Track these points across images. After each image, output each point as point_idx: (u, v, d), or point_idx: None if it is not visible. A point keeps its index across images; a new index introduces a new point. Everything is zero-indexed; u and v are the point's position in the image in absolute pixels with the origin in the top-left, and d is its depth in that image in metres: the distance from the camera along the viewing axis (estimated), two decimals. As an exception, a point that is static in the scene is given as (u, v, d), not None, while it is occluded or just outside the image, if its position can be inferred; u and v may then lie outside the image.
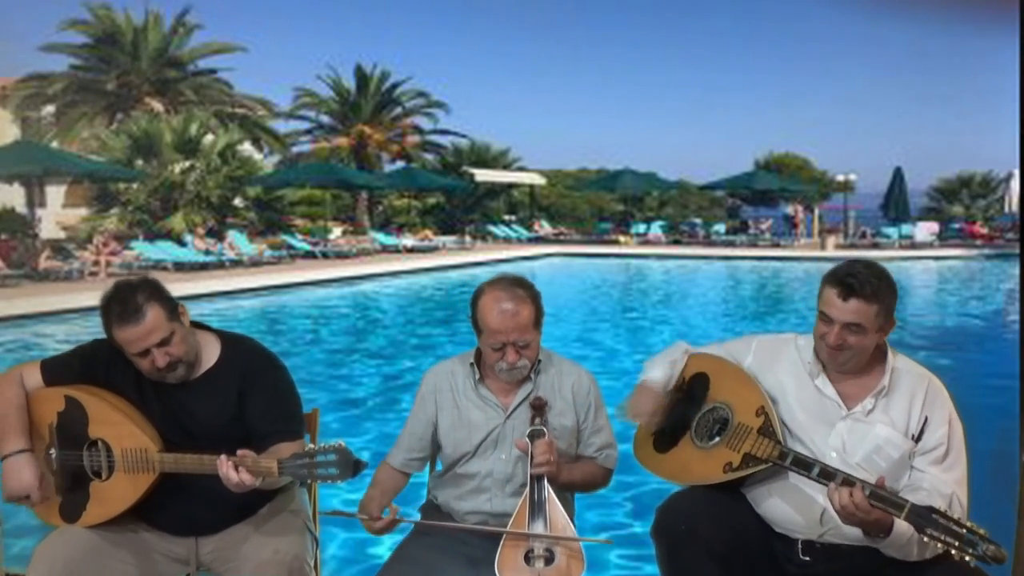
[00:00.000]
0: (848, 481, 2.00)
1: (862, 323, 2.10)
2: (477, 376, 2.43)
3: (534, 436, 2.27)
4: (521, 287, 2.36)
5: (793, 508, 2.17)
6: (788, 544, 2.20)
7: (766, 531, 2.23)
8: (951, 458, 2.13)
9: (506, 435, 2.38)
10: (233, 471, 2.11)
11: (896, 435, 2.14)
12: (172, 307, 2.28)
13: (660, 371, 2.42)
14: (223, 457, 2.12)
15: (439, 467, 2.56)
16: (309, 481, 2.40)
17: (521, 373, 2.37)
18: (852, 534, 2.11)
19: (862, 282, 2.09)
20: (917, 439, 2.14)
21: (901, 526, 1.98)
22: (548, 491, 2.24)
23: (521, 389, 2.41)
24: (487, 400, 2.42)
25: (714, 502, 2.21)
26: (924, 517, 1.86)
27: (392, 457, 2.50)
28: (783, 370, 2.30)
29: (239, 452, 2.14)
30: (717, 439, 2.28)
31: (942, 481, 2.09)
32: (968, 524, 1.84)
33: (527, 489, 2.25)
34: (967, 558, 1.81)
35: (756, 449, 2.17)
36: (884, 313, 2.13)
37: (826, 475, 2.02)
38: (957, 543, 1.81)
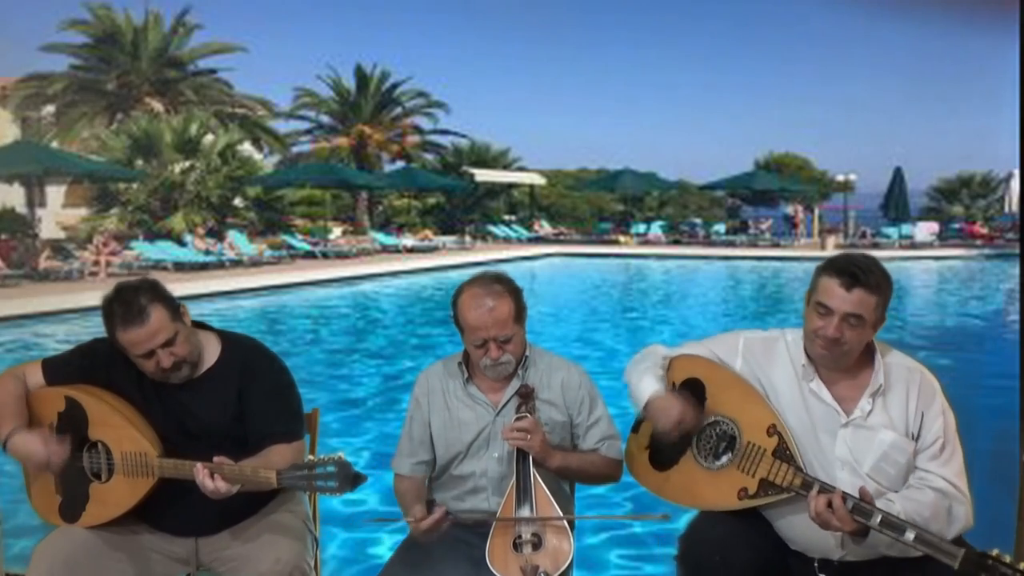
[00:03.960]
0: (825, 489, 1.97)
1: (863, 315, 2.04)
2: (465, 376, 2.43)
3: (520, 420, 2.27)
4: (499, 282, 2.35)
5: (812, 531, 2.08)
6: (805, 562, 2.17)
7: (783, 548, 2.20)
8: (948, 451, 2.11)
9: (497, 433, 2.37)
10: (209, 479, 2.11)
11: (900, 439, 2.10)
12: (174, 307, 2.28)
13: (651, 383, 2.28)
14: (199, 465, 2.12)
15: (437, 469, 2.56)
16: (308, 492, 2.39)
17: (507, 369, 2.37)
18: (870, 552, 2.08)
19: (866, 272, 2.04)
20: (916, 437, 2.11)
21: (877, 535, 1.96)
22: (534, 474, 2.23)
23: (510, 386, 2.40)
24: (476, 399, 2.42)
25: (741, 527, 2.13)
26: (979, 565, 1.79)
27: (399, 466, 2.48)
28: (777, 373, 2.22)
29: (215, 459, 2.13)
30: (725, 459, 2.17)
31: (941, 477, 2.07)
32: (1021, 567, 1.77)
33: (514, 474, 2.25)
34: None
35: (774, 475, 2.07)
36: (882, 306, 2.08)
37: (861, 512, 1.92)
38: None
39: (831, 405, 2.14)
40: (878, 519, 1.90)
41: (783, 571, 2.18)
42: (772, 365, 2.23)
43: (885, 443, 2.09)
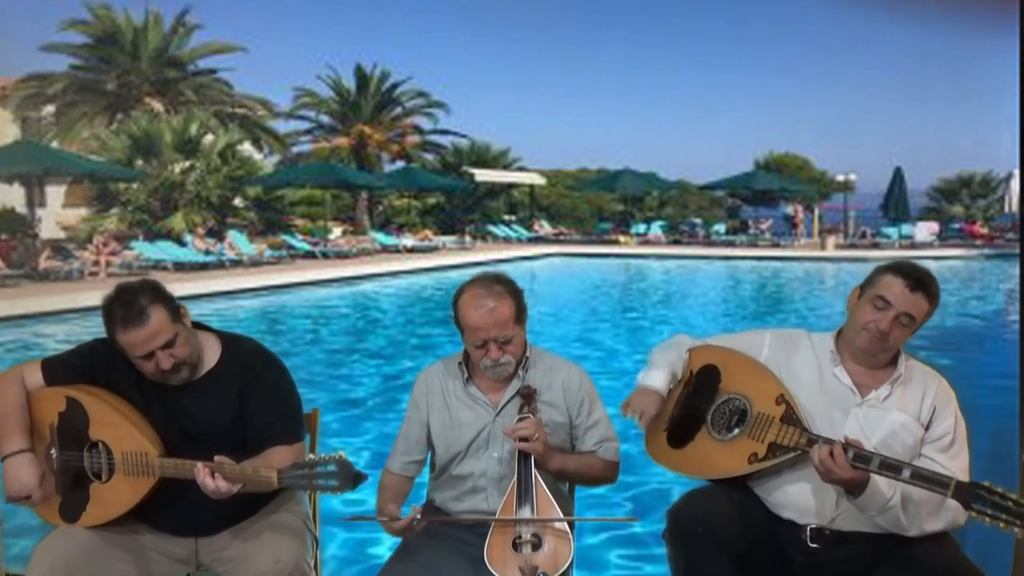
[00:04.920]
0: (828, 440, 2.08)
1: (916, 317, 2.17)
2: (465, 376, 2.43)
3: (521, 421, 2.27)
4: (500, 283, 2.36)
5: (808, 493, 2.19)
6: (796, 532, 2.21)
7: (773, 522, 2.24)
8: (955, 448, 2.19)
9: (496, 433, 2.38)
10: (209, 478, 2.11)
11: (911, 421, 2.19)
12: (175, 309, 2.28)
13: (660, 377, 2.41)
14: (199, 464, 2.12)
15: (436, 469, 2.56)
16: (308, 492, 2.39)
17: (507, 370, 2.37)
18: (862, 518, 2.15)
19: (929, 280, 2.19)
20: (926, 428, 2.20)
21: (875, 485, 2.06)
22: (535, 475, 2.24)
23: (510, 387, 2.41)
24: (476, 399, 2.42)
25: (727, 500, 2.21)
26: (970, 493, 1.89)
27: (391, 462, 2.50)
28: (799, 362, 2.32)
29: (216, 458, 2.13)
30: (737, 431, 2.27)
31: (947, 468, 2.12)
32: (1013, 496, 1.86)
33: (515, 474, 2.25)
34: (1015, 531, 1.84)
35: (781, 438, 2.17)
36: (929, 316, 2.21)
37: (862, 459, 2.02)
38: (1004, 516, 1.84)
39: (848, 386, 2.24)
40: (877, 462, 2.00)
41: (771, 543, 2.22)
42: (795, 355, 2.35)
43: (896, 423, 2.19)
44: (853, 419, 2.21)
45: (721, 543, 2.11)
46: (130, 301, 2.21)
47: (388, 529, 2.31)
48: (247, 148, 26.58)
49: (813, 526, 2.20)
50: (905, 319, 2.17)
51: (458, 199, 31.41)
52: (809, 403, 2.23)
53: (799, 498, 2.21)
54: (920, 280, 2.17)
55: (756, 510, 2.25)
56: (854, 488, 2.08)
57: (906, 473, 1.97)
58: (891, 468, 1.99)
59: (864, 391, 2.24)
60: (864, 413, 2.21)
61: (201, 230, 21.51)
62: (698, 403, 2.39)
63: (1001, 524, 1.84)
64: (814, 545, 2.19)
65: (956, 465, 2.15)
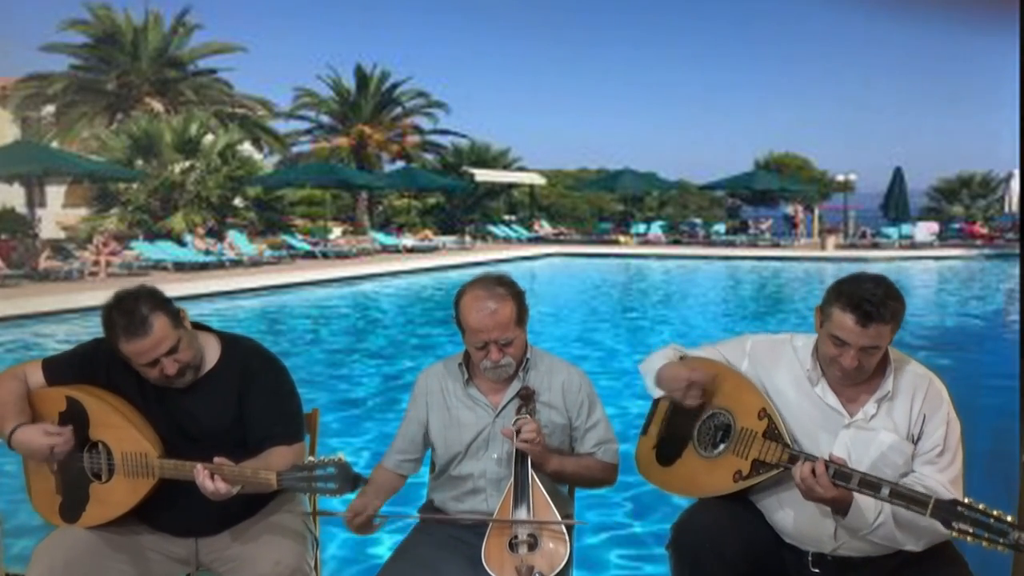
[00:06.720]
0: (810, 457, 2.03)
1: (880, 345, 2.07)
2: (466, 376, 2.44)
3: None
4: (502, 285, 2.35)
5: (805, 521, 2.15)
6: (798, 555, 2.19)
7: (777, 541, 2.21)
8: (945, 459, 2.12)
9: (496, 434, 2.38)
10: (209, 480, 2.11)
11: (900, 441, 2.12)
12: (175, 314, 2.27)
13: (662, 359, 2.38)
14: (199, 466, 2.12)
15: (436, 469, 2.56)
16: (307, 494, 2.40)
17: (507, 371, 2.37)
18: (864, 546, 2.11)
19: (878, 305, 2.02)
20: (916, 440, 2.13)
21: (858, 506, 2.02)
22: (532, 476, 2.24)
23: (510, 388, 2.41)
24: (476, 400, 2.43)
25: (733, 516, 2.17)
26: (949, 511, 1.85)
27: (385, 459, 2.51)
28: (782, 375, 2.25)
29: (216, 460, 2.13)
30: (722, 447, 2.24)
31: (936, 481, 2.08)
32: (995, 513, 1.82)
33: (512, 475, 2.25)
34: (999, 548, 1.79)
35: (764, 454, 2.13)
36: (898, 326, 2.09)
37: (842, 476, 1.97)
38: (987, 534, 1.80)
39: (835, 408, 2.17)
40: (856, 480, 1.96)
41: (777, 563, 2.20)
42: (777, 366, 2.27)
43: (884, 444, 2.11)
44: (841, 442, 2.13)
45: (728, 562, 2.08)
46: (131, 310, 2.20)
47: (348, 525, 2.31)
48: (247, 148, 26.59)
49: (814, 551, 2.17)
50: (871, 350, 2.06)
51: (458, 199, 31.40)
52: (795, 421, 2.17)
53: (797, 526, 2.17)
54: (869, 314, 2.01)
55: (759, 528, 2.21)
56: (838, 508, 2.05)
57: (885, 491, 1.92)
58: (871, 487, 1.94)
59: (851, 408, 2.16)
60: (852, 435, 2.14)
61: (201, 230, 21.51)
62: (684, 419, 2.35)
63: (984, 543, 1.80)
64: (816, 570, 2.16)
65: (945, 476, 2.09)
